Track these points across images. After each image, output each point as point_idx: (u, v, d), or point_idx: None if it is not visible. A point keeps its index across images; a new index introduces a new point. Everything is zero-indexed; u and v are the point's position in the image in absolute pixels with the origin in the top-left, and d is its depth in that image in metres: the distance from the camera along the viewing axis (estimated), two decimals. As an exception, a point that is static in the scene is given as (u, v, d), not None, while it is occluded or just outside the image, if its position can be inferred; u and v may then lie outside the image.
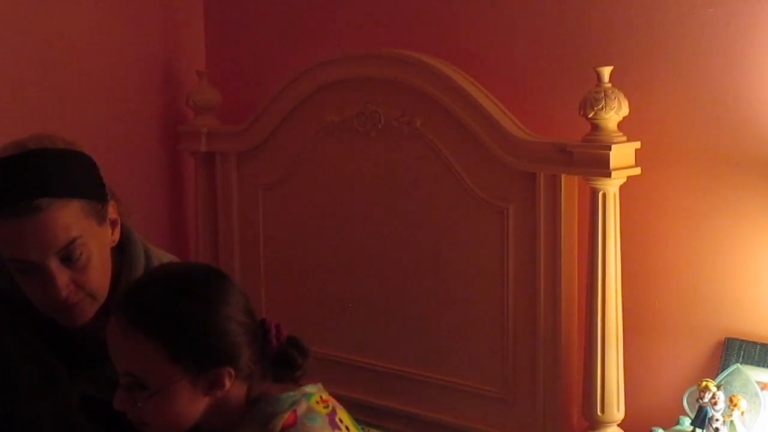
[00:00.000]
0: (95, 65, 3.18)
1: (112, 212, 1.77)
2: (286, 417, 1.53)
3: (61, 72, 3.10)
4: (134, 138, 3.31)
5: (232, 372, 1.54)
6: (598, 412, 2.44)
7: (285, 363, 1.60)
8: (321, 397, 1.60)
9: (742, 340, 2.40)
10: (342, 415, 1.61)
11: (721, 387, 2.27)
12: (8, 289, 1.78)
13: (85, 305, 1.72)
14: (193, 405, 1.55)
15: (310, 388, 1.60)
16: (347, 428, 1.60)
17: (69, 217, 1.66)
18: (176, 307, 1.53)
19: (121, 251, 1.82)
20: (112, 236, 1.78)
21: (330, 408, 1.59)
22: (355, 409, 1.67)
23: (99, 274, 1.73)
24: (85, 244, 1.68)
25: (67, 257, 1.67)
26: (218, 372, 1.53)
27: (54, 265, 1.66)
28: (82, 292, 1.71)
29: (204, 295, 1.55)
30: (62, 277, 1.67)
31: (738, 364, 2.35)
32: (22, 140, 1.72)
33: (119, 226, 1.80)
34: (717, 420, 2.25)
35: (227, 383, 1.54)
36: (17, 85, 2.99)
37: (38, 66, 3.04)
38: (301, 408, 1.55)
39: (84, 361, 1.79)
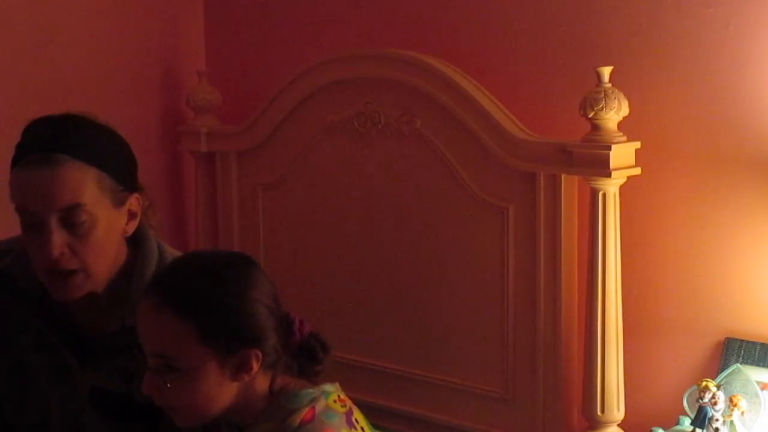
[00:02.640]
0: (95, 65, 3.18)
1: (133, 204, 1.79)
2: (304, 413, 1.55)
3: (61, 72, 3.10)
4: (134, 138, 3.28)
5: (260, 354, 1.55)
6: (598, 412, 2.44)
7: (307, 356, 1.63)
8: (339, 396, 1.62)
9: (742, 340, 2.40)
10: (358, 415, 1.64)
11: (721, 387, 2.27)
12: (24, 280, 1.80)
13: (77, 279, 1.72)
14: (221, 389, 1.55)
15: (328, 387, 1.62)
16: (362, 429, 1.62)
17: (82, 181, 1.69)
18: (207, 287, 1.55)
19: (136, 247, 1.83)
20: (126, 226, 1.79)
21: (347, 407, 1.62)
22: (354, 409, 1.68)
23: (98, 250, 1.73)
24: (90, 214, 1.70)
25: (69, 221, 1.69)
26: (246, 353, 1.54)
27: (53, 222, 1.68)
28: (76, 262, 1.71)
29: (233, 277, 1.57)
30: (58, 236, 1.68)
31: (738, 364, 2.35)
32: (68, 111, 1.78)
33: (137, 220, 1.81)
34: (717, 420, 2.25)
35: (255, 366, 1.55)
36: (16, 85, 2.99)
37: (38, 66, 3.04)
38: (320, 405, 1.57)
39: (93, 353, 1.80)
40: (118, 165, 1.76)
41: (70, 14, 3.13)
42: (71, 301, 1.76)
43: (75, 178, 1.68)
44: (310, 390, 1.59)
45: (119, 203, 1.76)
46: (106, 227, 1.73)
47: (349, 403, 1.63)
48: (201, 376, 1.53)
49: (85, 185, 1.69)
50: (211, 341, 1.53)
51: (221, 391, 1.56)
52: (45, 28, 3.06)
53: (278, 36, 3.29)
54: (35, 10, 3.04)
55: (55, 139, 1.70)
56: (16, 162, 1.71)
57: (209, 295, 1.55)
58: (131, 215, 1.79)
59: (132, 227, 1.81)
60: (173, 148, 3.40)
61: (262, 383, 1.58)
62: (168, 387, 1.53)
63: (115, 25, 3.24)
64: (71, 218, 1.69)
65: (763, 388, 2.30)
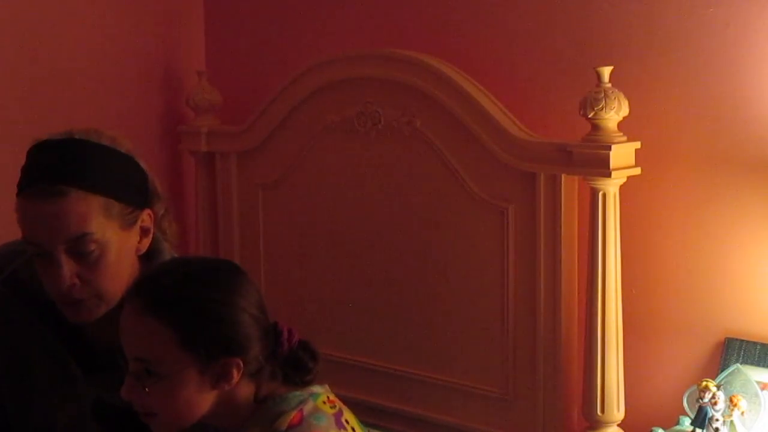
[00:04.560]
0: (95, 65, 3.18)
1: (146, 220, 1.76)
2: (292, 416, 1.53)
3: (61, 72, 3.10)
4: (134, 138, 3.26)
5: (241, 364, 1.54)
6: (598, 412, 2.44)
7: (295, 366, 1.60)
8: (328, 397, 1.61)
9: (742, 340, 2.40)
10: (348, 416, 1.62)
11: (721, 387, 2.27)
12: (34, 286, 1.78)
13: (91, 305, 1.71)
14: (200, 397, 1.54)
15: (317, 389, 1.60)
16: (353, 429, 1.60)
17: (86, 211, 1.66)
18: (190, 293, 1.54)
19: (149, 260, 1.80)
20: (139, 244, 1.76)
21: (336, 408, 1.60)
22: (354, 409, 1.67)
23: (110, 276, 1.71)
24: (98, 242, 1.67)
25: (77, 251, 1.67)
26: (227, 362, 1.53)
27: (61, 254, 1.66)
28: (88, 290, 1.70)
29: (218, 284, 1.56)
30: (68, 268, 1.67)
31: (738, 364, 2.35)
32: (71, 130, 1.74)
33: (150, 236, 1.78)
34: (717, 420, 2.25)
35: (235, 375, 1.54)
36: (16, 85, 2.99)
37: (38, 66, 3.04)
38: (308, 407, 1.55)
39: (99, 365, 1.79)
40: (125, 187, 1.73)
41: (70, 14, 3.13)
42: (85, 323, 1.75)
43: (80, 209, 1.66)
44: (298, 393, 1.58)
45: (129, 225, 1.73)
46: (117, 251, 1.71)
47: (338, 404, 1.62)
48: (180, 382, 1.52)
49: (91, 214, 1.67)
50: (191, 347, 1.51)
51: (200, 399, 1.54)
52: (44, 28, 3.06)
53: (278, 36, 3.29)
54: (35, 10, 3.04)
55: (58, 169, 1.67)
56: (20, 190, 1.69)
57: (192, 300, 1.53)
58: (144, 232, 1.77)
59: (145, 244, 1.78)
60: (173, 148, 3.40)
61: (245, 392, 1.57)
62: (147, 392, 1.52)
63: (115, 25, 3.24)
64: (79, 248, 1.67)
65: (763, 388, 2.30)
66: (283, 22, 3.28)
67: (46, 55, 3.06)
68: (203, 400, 1.55)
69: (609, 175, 2.37)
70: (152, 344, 1.52)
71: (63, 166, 1.68)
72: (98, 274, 1.70)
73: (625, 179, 2.42)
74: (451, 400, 2.77)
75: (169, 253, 1.84)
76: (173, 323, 1.51)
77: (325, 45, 3.11)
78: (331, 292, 3.02)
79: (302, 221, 3.09)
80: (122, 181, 1.74)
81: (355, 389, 2.82)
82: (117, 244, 1.71)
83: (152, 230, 1.78)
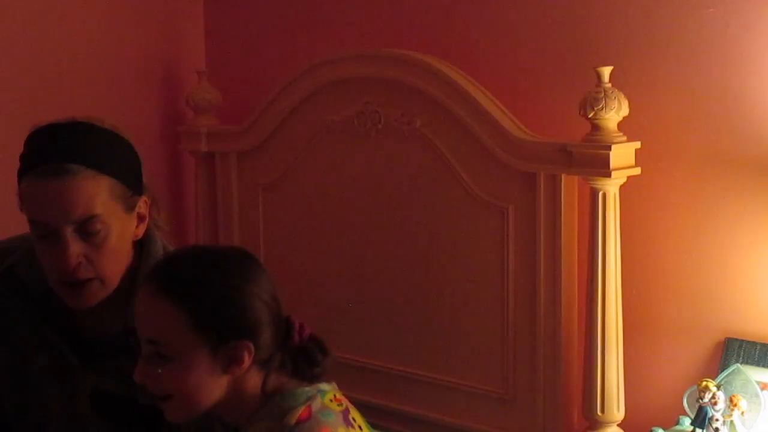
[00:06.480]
0: (95, 65, 3.18)
1: (142, 207, 1.78)
2: (301, 411, 1.54)
3: (61, 72, 3.10)
4: (134, 138, 3.29)
5: (252, 347, 1.55)
6: (598, 412, 2.45)
7: (305, 359, 1.62)
8: (335, 395, 1.62)
9: (742, 340, 2.40)
10: (355, 414, 1.63)
11: (721, 387, 2.27)
12: (29, 279, 1.79)
13: (93, 287, 1.72)
14: (211, 381, 1.56)
15: (324, 386, 1.62)
16: (360, 427, 1.62)
17: (95, 191, 1.68)
18: (204, 276, 1.56)
19: (141, 248, 1.82)
20: (136, 229, 1.78)
21: (343, 406, 1.61)
22: (355, 409, 1.68)
23: (112, 258, 1.73)
24: (104, 223, 1.69)
25: (84, 231, 1.68)
26: (238, 345, 1.55)
27: (69, 233, 1.67)
28: (92, 271, 1.71)
29: (232, 269, 1.58)
30: (75, 247, 1.68)
31: (738, 364, 2.35)
32: (73, 117, 1.75)
33: (146, 223, 1.81)
34: (717, 420, 2.25)
35: (246, 359, 1.55)
36: (16, 85, 2.99)
37: (38, 66, 3.04)
38: (316, 404, 1.56)
39: (95, 354, 1.80)
40: (128, 171, 1.76)
41: (70, 14, 3.13)
42: (87, 309, 1.75)
43: (89, 189, 1.67)
44: (307, 389, 1.59)
45: (130, 208, 1.75)
46: (119, 234, 1.73)
47: (345, 402, 1.63)
48: (192, 365, 1.54)
49: (99, 195, 1.68)
50: (203, 329, 1.53)
51: (211, 383, 1.56)
52: (45, 28, 3.06)
53: (278, 36, 3.29)
54: (35, 10, 3.04)
55: (66, 148, 1.68)
56: (25, 172, 1.70)
57: (204, 283, 1.56)
58: (140, 218, 1.79)
59: (141, 230, 1.80)
60: (173, 148, 3.40)
61: (254, 381, 1.58)
62: (159, 374, 1.54)
63: (115, 25, 3.24)
64: (86, 228, 1.68)
65: (763, 388, 2.30)
66: (283, 22, 3.28)
67: (46, 55, 3.07)
68: (215, 384, 1.56)
69: (609, 175, 2.37)
70: (165, 325, 1.54)
71: (71, 145, 1.69)
72: (102, 255, 1.71)
73: (625, 179, 2.42)
74: (451, 400, 2.77)
75: (160, 239, 1.86)
76: (186, 304, 1.53)
77: (325, 45, 3.11)
78: (330, 291, 3.02)
79: (302, 221, 3.09)
80: (125, 165, 1.76)
81: (355, 389, 2.80)
82: (119, 227, 1.73)
83: (147, 217, 1.81)
